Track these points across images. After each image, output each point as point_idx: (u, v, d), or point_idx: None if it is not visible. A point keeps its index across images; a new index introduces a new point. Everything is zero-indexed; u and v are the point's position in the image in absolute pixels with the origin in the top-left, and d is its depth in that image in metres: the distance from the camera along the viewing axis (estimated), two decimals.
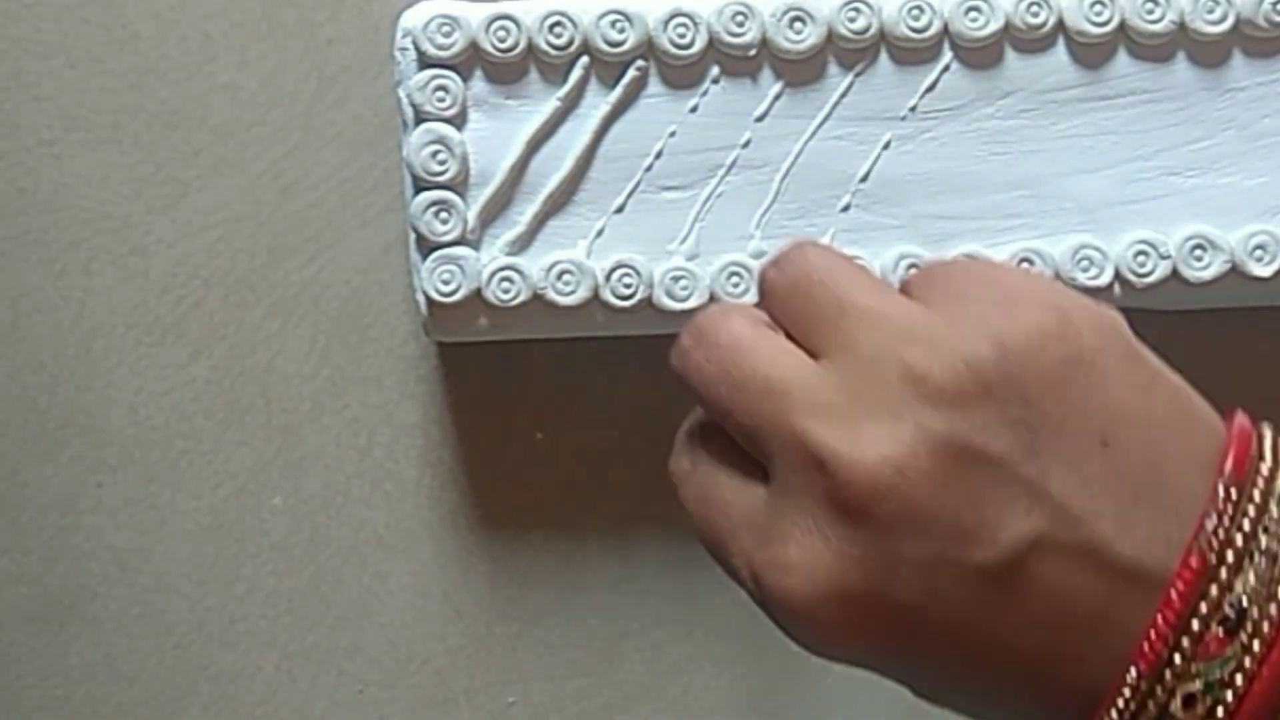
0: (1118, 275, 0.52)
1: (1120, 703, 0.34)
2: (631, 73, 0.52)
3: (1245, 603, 0.33)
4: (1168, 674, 0.33)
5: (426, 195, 0.51)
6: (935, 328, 0.35)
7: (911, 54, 0.52)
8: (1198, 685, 0.33)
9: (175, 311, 0.55)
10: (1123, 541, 0.34)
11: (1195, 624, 0.33)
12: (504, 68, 0.52)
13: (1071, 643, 0.34)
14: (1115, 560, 0.34)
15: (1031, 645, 0.34)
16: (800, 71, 0.52)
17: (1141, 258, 0.52)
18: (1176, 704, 0.33)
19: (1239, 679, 0.33)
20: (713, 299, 0.52)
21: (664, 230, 0.52)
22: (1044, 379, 0.35)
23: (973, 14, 0.52)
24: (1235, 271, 0.52)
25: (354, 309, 0.55)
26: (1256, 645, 0.33)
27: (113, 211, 0.55)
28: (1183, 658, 0.33)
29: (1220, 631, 0.34)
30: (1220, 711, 0.33)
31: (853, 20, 0.51)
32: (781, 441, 0.35)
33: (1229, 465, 0.34)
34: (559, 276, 0.51)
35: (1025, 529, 0.34)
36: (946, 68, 0.52)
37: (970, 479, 0.34)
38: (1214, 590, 0.34)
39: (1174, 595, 0.33)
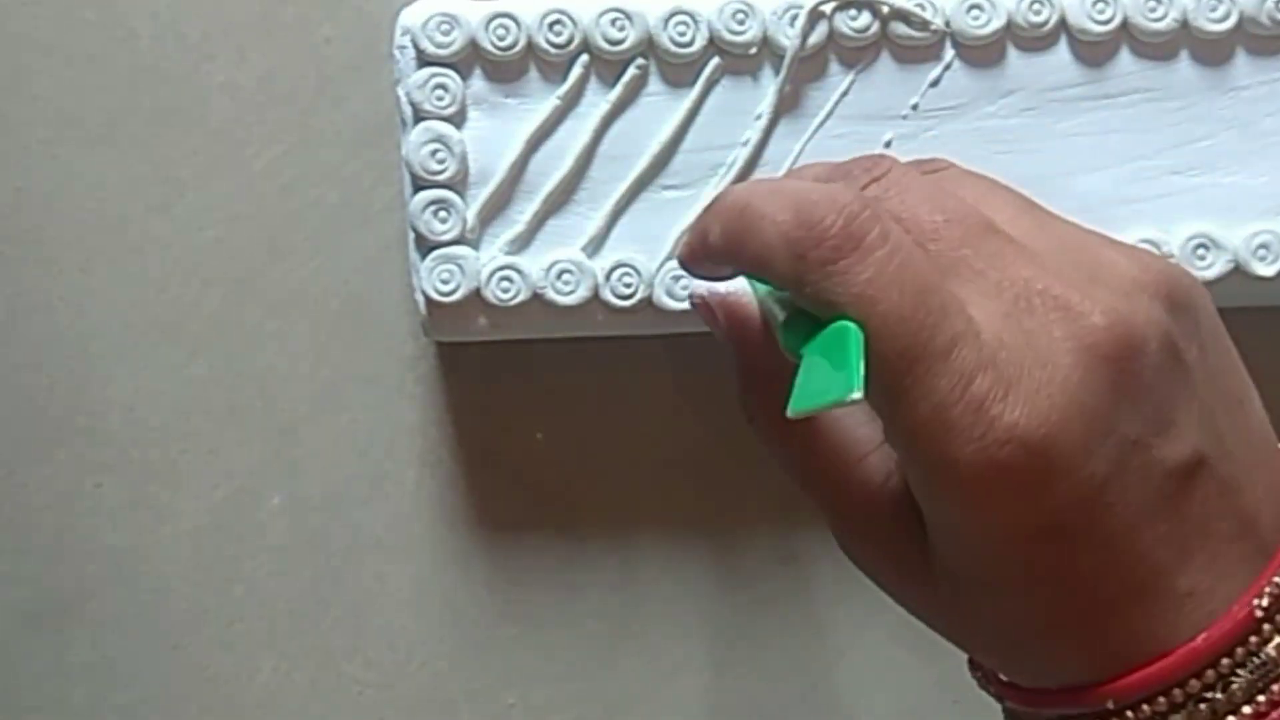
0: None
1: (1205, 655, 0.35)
2: (631, 71, 0.52)
3: None
4: (1253, 638, 0.35)
5: (425, 194, 0.51)
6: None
7: (913, 52, 0.52)
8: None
9: (173, 311, 0.55)
10: (1250, 492, 0.36)
11: None
12: (503, 66, 0.51)
13: (1188, 574, 0.35)
14: (1244, 508, 0.36)
15: (1159, 562, 0.35)
16: (801, 70, 0.52)
17: None
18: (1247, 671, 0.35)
19: None
20: None
21: (664, 230, 0.52)
22: (1214, 324, 0.37)
23: (975, 12, 0.51)
24: (1238, 271, 0.52)
25: (353, 309, 0.55)
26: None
27: (110, 211, 0.55)
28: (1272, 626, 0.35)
29: None
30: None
31: (854, 18, 0.51)
32: (1010, 283, 0.36)
33: None
34: (559, 276, 0.51)
35: (1199, 443, 0.35)
36: (948, 66, 0.52)
37: (1172, 377, 0.35)
38: None
39: None
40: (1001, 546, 0.36)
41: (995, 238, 0.37)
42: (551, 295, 0.51)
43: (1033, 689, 0.38)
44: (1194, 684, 0.35)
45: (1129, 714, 0.36)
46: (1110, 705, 0.36)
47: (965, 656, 0.55)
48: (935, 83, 0.52)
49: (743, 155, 0.52)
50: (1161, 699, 0.36)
